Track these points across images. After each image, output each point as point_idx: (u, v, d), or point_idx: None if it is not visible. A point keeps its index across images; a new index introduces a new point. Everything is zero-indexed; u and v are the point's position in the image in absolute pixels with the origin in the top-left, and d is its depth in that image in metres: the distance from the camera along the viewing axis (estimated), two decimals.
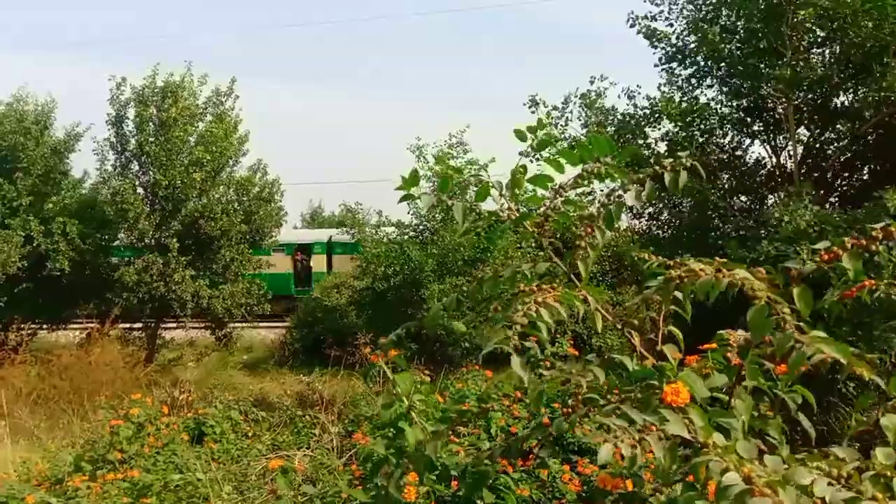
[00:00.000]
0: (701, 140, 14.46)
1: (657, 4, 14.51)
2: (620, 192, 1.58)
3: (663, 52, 14.63)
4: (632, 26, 14.68)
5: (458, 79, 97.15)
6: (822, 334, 1.23)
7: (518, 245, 14.82)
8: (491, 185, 1.64)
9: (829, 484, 1.02)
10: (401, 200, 1.71)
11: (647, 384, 1.29)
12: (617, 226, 1.62)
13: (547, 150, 1.76)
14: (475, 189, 1.67)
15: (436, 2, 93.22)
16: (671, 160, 1.56)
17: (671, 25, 14.52)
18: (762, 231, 11.27)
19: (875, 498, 0.99)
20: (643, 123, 14.48)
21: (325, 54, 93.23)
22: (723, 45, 13.43)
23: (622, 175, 1.60)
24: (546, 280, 1.49)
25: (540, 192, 1.71)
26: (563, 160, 1.64)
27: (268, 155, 42.61)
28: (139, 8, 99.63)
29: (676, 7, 14.35)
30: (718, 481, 0.99)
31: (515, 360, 1.32)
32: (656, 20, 14.60)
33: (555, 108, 15.14)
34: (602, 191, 1.68)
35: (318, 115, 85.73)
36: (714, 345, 1.52)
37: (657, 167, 1.55)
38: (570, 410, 1.50)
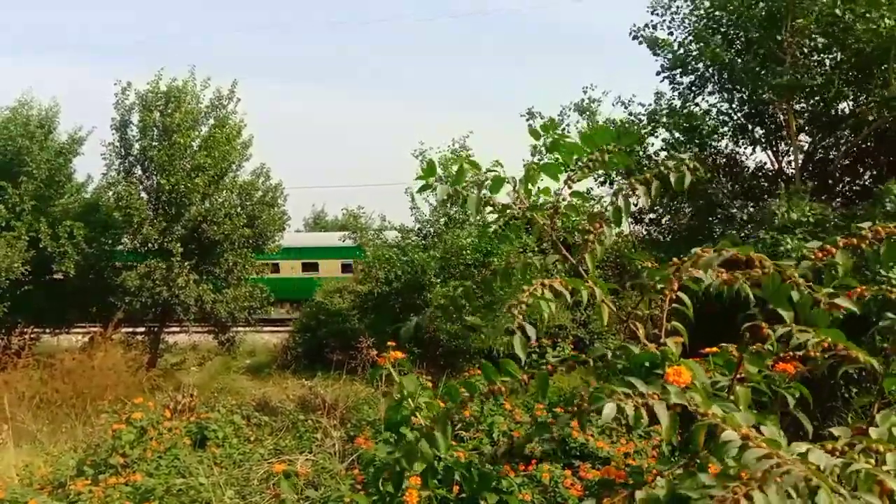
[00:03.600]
0: (701, 145, 14.52)
1: (658, 14, 14.60)
2: (627, 189, 1.61)
3: (665, 59, 14.70)
4: (634, 38, 14.79)
5: (458, 79, 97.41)
6: (832, 291, 1.27)
7: (521, 249, 14.82)
8: (506, 180, 1.67)
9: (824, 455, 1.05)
10: (420, 190, 1.77)
11: (650, 369, 1.31)
12: (620, 229, 1.65)
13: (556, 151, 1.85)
14: (489, 183, 1.70)
15: (438, 5, 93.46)
16: (674, 161, 1.58)
17: (672, 34, 14.61)
18: (763, 228, 11.31)
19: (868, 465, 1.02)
20: (645, 133, 14.56)
21: (325, 54, 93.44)
22: (723, 53, 13.48)
23: (624, 160, 1.64)
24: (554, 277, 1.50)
25: (550, 185, 1.75)
26: (571, 151, 1.67)
27: (268, 155, 42.60)
28: (139, 8, 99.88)
29: (678, 17, 14.43)
30: (719, 439, 1.01)
31: (517, 339, 1.32)
32: (657, 29, 14.69)
33: (551, 119, 15.23)
34: (606, 194, 1.72)
35: (318, 115, 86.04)
36: (716, 349, 1.53)
37: (661, 168, 1.58)
38: (574, 410, 1.50)
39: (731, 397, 1.28)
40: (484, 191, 1.70)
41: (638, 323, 1.47)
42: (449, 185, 1.71)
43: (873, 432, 1.17)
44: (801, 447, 1.04)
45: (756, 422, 1.16)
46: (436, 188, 1.72)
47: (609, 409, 1.12)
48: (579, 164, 1.66)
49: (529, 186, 1.67)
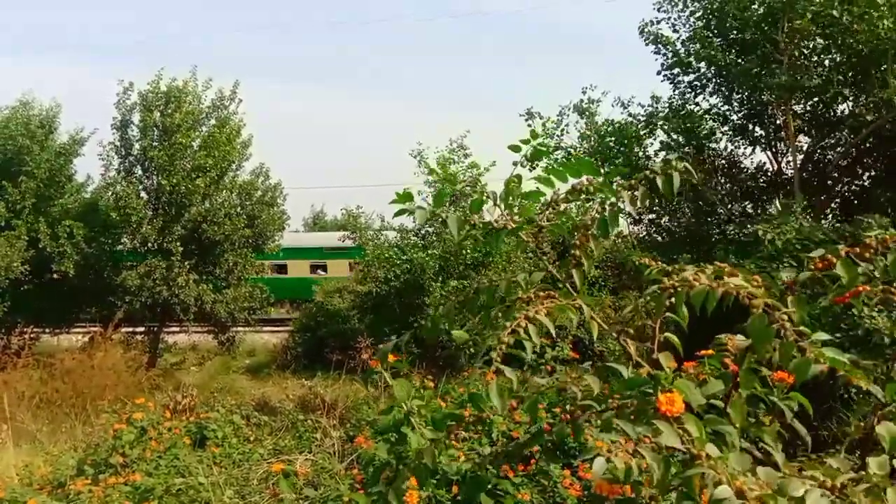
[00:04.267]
0: (700, 145, 14.53)
1: (664, 11, 14.62)
2: (614, 199, 1.59)
3: (666, 58, 14.72)
4: (640, 34, 14.82)
5: (458, 79, 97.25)
6: (825, 336, 1.21)
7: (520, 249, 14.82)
8: (486, 195, 1.66)
9: (823, 495, 1.01)
10: (396, 215, 1.75)
11: (642, 392, 1.29)
12: (618, 231, 1.65)
13: (541, 160, 1.83)
14: (471, 198, 1.69)
15: (438, 5, 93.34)
16: (662, 164, 1.57)
17: (676, 32, 14.63)
18: (759, 233, 11.27)
19: None
20: (643, 134, 14.58)
21: (325, 54, 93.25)
22: (721, 54, 13.50)
23: (610, 192, 1.62)
24: (545, 287, 1.50)
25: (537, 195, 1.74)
26: (553, 178, 1.66)
27: (268, 156, 42.54)
28: (139, 8, 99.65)
29: (683, 14, 14.44)
30: (711, 493, 0.99)
31: (493, 388, 1.29)
32: (662, 25, 14.72)
33: (550, 119, 15.30)
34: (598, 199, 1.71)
35: (318, 115, 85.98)
36: (711, 351, 1.52)
37: (649, 172, 1.57)
38: (571, 416, 1.51)
39: (729, 409, 1.26)
40: (465, 206, 1.69)
41: (629, 340, 1.47)
42: (428, 209, 1.70)
43: (873, 463, 1.12)
44: (800, 489, 1.00)
45: (753, 434, 1.15)
46: (414, 211, 1.70)
47: (598, 464, 1.11)
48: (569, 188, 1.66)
49: (511, 201, 1.66)
